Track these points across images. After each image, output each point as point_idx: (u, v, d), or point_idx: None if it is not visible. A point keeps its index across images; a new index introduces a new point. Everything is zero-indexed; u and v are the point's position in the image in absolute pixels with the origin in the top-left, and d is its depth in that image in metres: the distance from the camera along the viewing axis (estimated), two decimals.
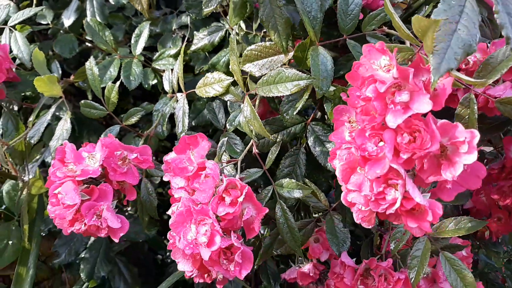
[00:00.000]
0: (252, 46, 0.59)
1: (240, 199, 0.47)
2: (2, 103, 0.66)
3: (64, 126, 0.59)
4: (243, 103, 0.53)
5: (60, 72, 0.70)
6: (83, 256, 0.85)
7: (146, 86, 0.70)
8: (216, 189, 0.48)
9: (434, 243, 0.63)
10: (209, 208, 0.47)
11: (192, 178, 0.51)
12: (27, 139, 0.61)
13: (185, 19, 0.76)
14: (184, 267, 0.51)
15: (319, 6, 0.55)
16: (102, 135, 0.61)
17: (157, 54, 0.73)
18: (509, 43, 0.48)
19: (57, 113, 0.70)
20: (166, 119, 0.63)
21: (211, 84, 0.57)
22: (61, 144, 0.57)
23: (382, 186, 0.41)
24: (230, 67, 0.53)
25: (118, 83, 0.59)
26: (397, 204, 0.40)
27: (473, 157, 0.39)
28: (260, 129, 0.50)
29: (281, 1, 0.56)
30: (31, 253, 0.85)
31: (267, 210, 0.50)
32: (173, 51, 0.71)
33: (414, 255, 0.62)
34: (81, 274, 0.81)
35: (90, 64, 0.60)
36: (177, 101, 0.61)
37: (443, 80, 0.40)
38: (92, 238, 0.87)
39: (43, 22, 0.74)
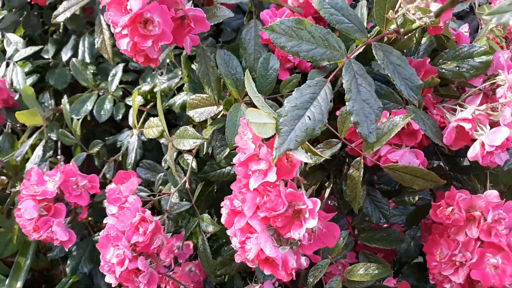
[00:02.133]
0: (193, 96, 0.69)
1: (148, 231, 0.58)
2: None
3: (38, 152, 0.73)
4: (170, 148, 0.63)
5: (52, 101, 0.84)
6: (72, 253, 0.99)
7: (117, 118, 0.82)
8: (131, 221, 0.59)
9: (347, 284, 0.69)
10: (124, 236, 0.58)
11: (119, 208, 0.62)
12: (14, 157, 0.75)
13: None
14: (110, 279, 0.62)
15: (241, 69, 0.64)
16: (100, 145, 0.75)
17: (135, 89, 0.85)
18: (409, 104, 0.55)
19: (49, 134, 0.83)
20: (131, 149, 0.75)
21: (152, 127, 0.68)
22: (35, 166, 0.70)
23: (245, 237, 0.50)
24: (158, 118, 0.63)
25: (80, 120, 0.72)
26: (252, 254, 0.49)
27: (313, 223, 0.47)
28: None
29: (213, 62, 0.65)
30: (31, 246, 1.01)
31: (172, 242, 0.59)
32: (147, 88, 0.82)
33: None
34: (66, 269, 0.95)
35: (64, 102, 0.73)
36: (132, 136, 0.73)
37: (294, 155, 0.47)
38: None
39: (45, 57, 0.89)
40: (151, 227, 0.57)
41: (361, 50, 0.51)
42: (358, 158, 0.58)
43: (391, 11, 0.50)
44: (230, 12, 0.61)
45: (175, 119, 0.94)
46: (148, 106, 0.84)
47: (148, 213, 0.58)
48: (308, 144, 0.50)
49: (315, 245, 0.52)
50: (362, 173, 0.57)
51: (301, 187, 0.54)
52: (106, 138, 0.89)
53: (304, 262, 0.53)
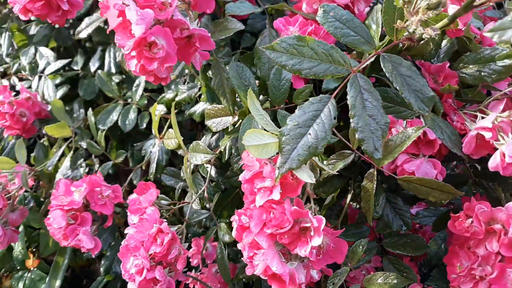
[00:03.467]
0: (210, 106, 0.70)
1: (165, 242, 0.60)
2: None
3: (66, 163, 0.77)
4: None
5: (82, 110, 0.88)
6: (106, 253, 1.04)
7: (142, 127, 0.85)
8: (149, 232, 0.61)
9: None
10: (142, 246, 0.60)
11: (139, 219, 0.64)
12: (46, 167, 0.80)
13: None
14: (131, 286, 0.65)
15: (254, 80, 0.64)
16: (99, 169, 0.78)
17: (160, 97, 0.87)
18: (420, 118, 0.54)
19: (80, 143, 0.88)
20: (153, 159, 0.78)
21: (171, 139, 0.69)
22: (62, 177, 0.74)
23: (253, 252, 0.50)
24: (173, 133, 0.65)
25: (103, 132, 0.75)
26: (259, 269, 0.49)
27: (318, 241, 0.47)
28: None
29: (228, 74, 0.65)
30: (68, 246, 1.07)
31: (187, 253, 0.61)
32: (170, 95, 0.84)
33: None
34: (100, 269, 1.00)
35: (89, 114, 0.76)
36: (154, 146, 0.75)
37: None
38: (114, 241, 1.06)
39: (75, 68, 0.93)
40: (167, 238, 0.59)
41: (369, 62, 0.50)
42: (371, 170, 0.57)
43: (399, 20, 0.48)
44: (241, 24, 0.61)
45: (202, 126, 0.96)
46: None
47: (164, 224, 0.60)
48: (315, 159, 0.50)
49: (324, 260, 0.52)
50: (375, 185, 0.56)
51: (311, 201, 0.54)
52: (135, 144, 0.92)
53: (315, 275, 0.53)
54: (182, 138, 0.67)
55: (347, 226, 0.76)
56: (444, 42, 0.65)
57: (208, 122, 0.70)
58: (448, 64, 0.61)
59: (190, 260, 0.97)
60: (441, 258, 0.84)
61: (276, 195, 0.47)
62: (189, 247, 0.85)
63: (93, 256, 0.71)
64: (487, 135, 0.54)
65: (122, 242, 0.64)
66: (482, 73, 0.58)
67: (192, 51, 0.52)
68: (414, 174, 0.57)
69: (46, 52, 0.90)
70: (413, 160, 0.59)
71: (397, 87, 0.48)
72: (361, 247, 0.68)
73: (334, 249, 0.51)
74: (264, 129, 0.48)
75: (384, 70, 0.49)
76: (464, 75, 0.60)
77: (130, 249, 0.61)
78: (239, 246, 0.54)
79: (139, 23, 0.46)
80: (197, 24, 0.53)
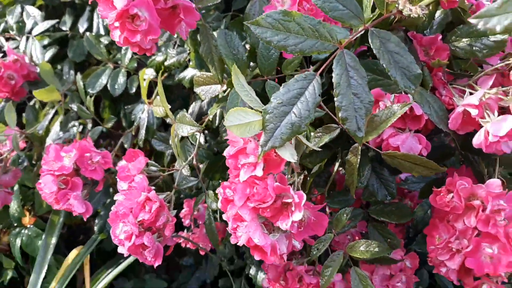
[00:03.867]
0: (199, 74, 0.69)
1: (153, 210, 0.61)
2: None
3: (55, 128, 0.77)
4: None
5: (72, 72, 0.86)
6: (100, 213, 1.07)
7: (132, 92, 0.84)
8: (137, 200, 0.62)
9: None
10: (131, 213, 0.62)
11: (128, 186, 0.65)
12: (37, 130, 0.80)
13: None
14: (121, 250, 0.67)
15: (244, 48, 0.63)
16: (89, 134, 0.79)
17: (149, 60, 0.86)
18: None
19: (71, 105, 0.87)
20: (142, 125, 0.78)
21: (159, 106, 0.69)
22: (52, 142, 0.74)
23: (236, 224, 0.52)
24: (160, 103, 0.64)
25: (92, 97, 0.75)
26: (242, 240, 0.51)
27: (299, 215, 0.48)
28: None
29: (216, 41, 0.64)
30: None
31: (175, 220, 0.63)
32: (160, 58, 0.83)
33: (328, 265, 0.71)
34: (94, 228, 1.03)
35: (78, 79, 0.75)
36: (143, 111, 0.75)
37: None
38: (109, 199, 1.08)
39: (63, 28, 0.90)
40: (155, 206, 0.61)
41: (357, 36, 0.49)
42: (356, 144, 0.57)
43: None
44: None
45: None
46: (163, 77, 0.85)
47: (152, 193, 0.62)
48: (300, 136, 0.51)
49: (305, 233, 0.53)
50: (359, 159, 0.56)
51: (295, 175, 0.54)
52: (126, 107, 0.92)
53: (298, 245, 0.55)
54: (175, 102, 0.67)
55: (334, 193, 0.77)
56: (438, 13, 0.63)
57: (197, 90, 0.70)
58: (440, 37, 0.60)
59: (182, 220, 0.99)
60: (427, 223, 0.86)
61: (259, 172, 0.47)
62: (179, 211, 0.87)
63: (84, 219, 0.73)
64: (473, 112, 0.54)
65: (112, 208, 0.65)
66: (474, 48, 0.57)
67: (177, 21, 0.51)
68: (399, 149, 0.58)
69: (33, 12, 0.88)
70: (399, 134, 0.59)
71: (384, 65, 0.47)
72: (345, 215, 0.69)
73: (315, 222, 0.52)
74: (249, 107, 0.48)
75: (371, 46, 0.48)
76: (456, 48, 0.59)
77: (119, 216, 0.63)
78: (223, 217, 0.55)
79: None
80: None
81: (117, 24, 0.48)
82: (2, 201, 0.79)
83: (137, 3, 0.46)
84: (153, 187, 0.64)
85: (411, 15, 0.42)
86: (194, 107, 0.77)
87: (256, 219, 0.51)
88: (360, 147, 0.57)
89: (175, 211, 0.65)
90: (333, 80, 0.46)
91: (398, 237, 0.79)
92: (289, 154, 0.45)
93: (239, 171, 0.50)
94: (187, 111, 0.81)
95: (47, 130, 0.85)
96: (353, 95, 0.46)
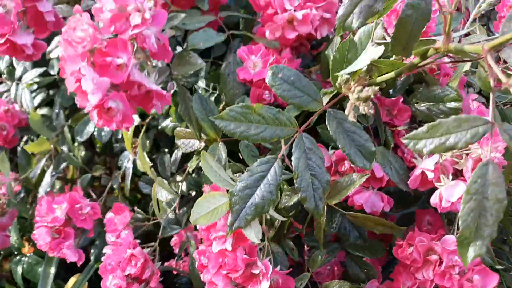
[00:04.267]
0: (178, 128, 0.73)
1: (138, 265, 0.66)
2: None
3: (46, 179, 0.82)
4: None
5: (62, 116, 0.90)
6: (95, 242, 1.12)
7: (118, 137, 0.89)
8: (124, 255, 0.67)
9: None
10: (119, 267, 0.67)
11: (115, 240, 0.70)
12: (30, 176, 0.85)
13: None
14: None
15: (218, 112, 0.67)
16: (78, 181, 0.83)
17: None
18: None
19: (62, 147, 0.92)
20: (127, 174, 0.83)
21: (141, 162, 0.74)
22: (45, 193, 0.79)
23: (212, 287, 0.57)
24: (141, 161, 0.69)
25: (81, 145, 0.79)
26: None
27: (266, 284, 0.53)
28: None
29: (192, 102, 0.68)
30: None
31: (159, 273, 0.68)
32: None
33: None
34: (90, 257, 1.08)
35: (66, 131, 0.80)
36: (129, 160, 0.79)
37: None
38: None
39: (51, 72, 0.94)
40: (140, 263, 0.66)
41: (314, 119, 0.53)
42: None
43: (344, 74, 0.51)
44: (202, 62, 0.63)
45: None
46: (147, 120, 0.89)
47: (137, 250, 0.66)
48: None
49: None
50: (324, 219, 0.61)
51: (265, 239, 0.59)
52: (115, 145, 0.96)
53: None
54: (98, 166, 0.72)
55: (311, 231, 0.82)
56: None
57: (178, 142, 0.74)
58: (402, 99, 0.64)
59: (173, 248, 1.05)
60: None
61: (228, 247, 0.52)
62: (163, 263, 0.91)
63: (79, 265, 0.78)
64: (430, 175, 0.58)
65: (102, 259, 0.71)
66: (432, 111, 0.61)
67: (150, 106, 0.55)
68: (362, 206, 0.62)
69: None
70: (363, 192, 0.63)
71: (340, 145, 0.51)
72: (320, 257, 0.74)
73: (284, 285, 0.57)
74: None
75: (328, 128, 0.52)
76: (416, 110, 0.63)
77: (108, 270, 0.68)
78: (201, 277, 0.60)
79: (95, 92, 0.49)
80: (155, 76, 0.55)
81: (94, 112, 0.52)
82: (1, 245, 0.84)
83: (111, 96, 0.50)
84: (138, 241, 0.69)
85: (360, 111, 0.46)
86: (177, 153, 0.81)
87: (229, 284, 0.56)
88: (325, 208, 0.61)
89: (160, 263, 0.70)
90: (292, 163, 0.50)
91: (376, 265, 0.84)
92: (253, 234, 0.50)
93: (211, 242, 0.55)
94: (171, 154, 0.85)
95: (42, 172, 0.90)
96: (312, 176, 0.51)
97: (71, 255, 0.75)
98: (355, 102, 0.44)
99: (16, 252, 1.16)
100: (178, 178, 0.79)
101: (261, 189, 0.50)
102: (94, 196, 0.92)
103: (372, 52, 0.45)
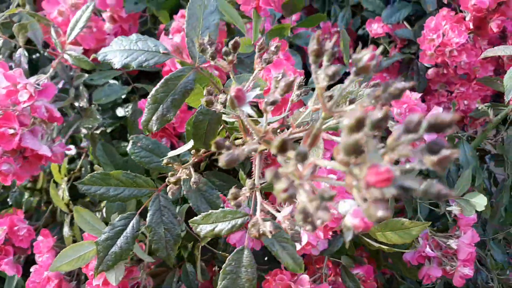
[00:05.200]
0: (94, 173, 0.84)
1: (53, 285, 0.78)
2: None
3: None
4: None
5: None
6: None
7: None
8: (42, 277, 0.79)
9: None
10: (39, 286, 0.79)
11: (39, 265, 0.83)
12: None
13: None
14: None
15: (120, 157, 0.77)
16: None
17: None
18: None
19: None
20: None
21: None
22: None
23: None
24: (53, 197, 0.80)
25: None
26: None
27: None
28: None
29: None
30: None
31: None
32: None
33: None
34: None
35: None
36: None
37: None
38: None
39: None
40: (54, 284, 0.78)
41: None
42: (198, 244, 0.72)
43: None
44: (100, 117, 0.73)
45: None
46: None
47: (55, 273, 0.78)
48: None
49: None
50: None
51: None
52: None
53: None
54: None
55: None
56: None
57: None
58: None
59: None
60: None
61: (100, 283, 0.63)
62: None
63: (19, 276, 0.91)
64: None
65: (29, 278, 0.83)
66: None
67: (34, 168, 0.66)
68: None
69: None
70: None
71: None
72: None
73: None
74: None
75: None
76: None
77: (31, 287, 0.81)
78: None
79: None
80: (47, 138, 0.66)
81: None
82: None
83: (4, 161, 0.61)
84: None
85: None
86: None
87: None
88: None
89: (75, 281, 0.82)
90: (147, 218, 0.60)
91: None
92: (113, 278, 0.60)
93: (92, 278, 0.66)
94: None
95: None
96: (165, 229, 0.61)
97: (9, 270, 0.88)
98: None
99: None
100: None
101: (120, 240, 0.60)
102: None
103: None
